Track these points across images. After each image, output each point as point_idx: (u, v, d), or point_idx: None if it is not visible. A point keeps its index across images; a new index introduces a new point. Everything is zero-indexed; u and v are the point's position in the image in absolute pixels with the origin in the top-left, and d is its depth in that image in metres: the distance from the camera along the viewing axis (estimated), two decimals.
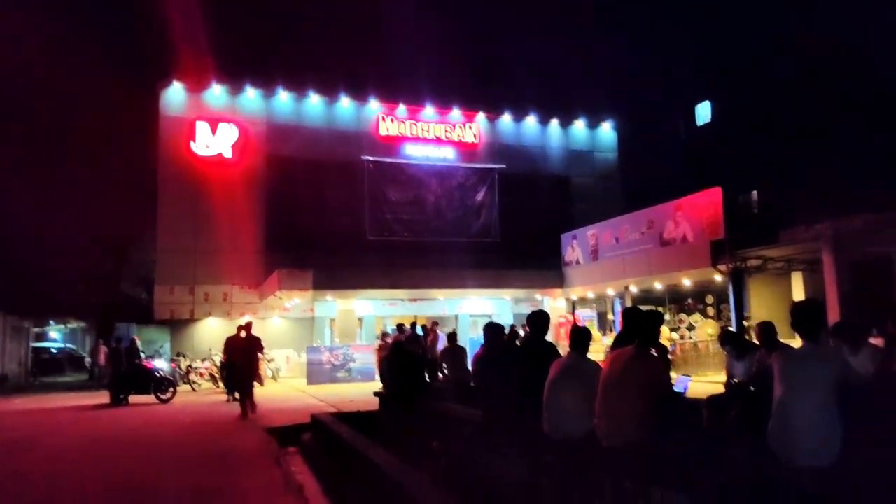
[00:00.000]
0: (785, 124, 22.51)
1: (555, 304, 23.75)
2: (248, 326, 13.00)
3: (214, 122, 25.01)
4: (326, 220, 25.22)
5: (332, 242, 24.42)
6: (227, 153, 25.02)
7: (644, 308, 6.04)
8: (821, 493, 3.27)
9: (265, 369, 22.48)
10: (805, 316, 3.66)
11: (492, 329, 6.30)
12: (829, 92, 20.26)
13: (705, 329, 19.94)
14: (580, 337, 5.02)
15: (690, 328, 20.63)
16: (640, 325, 4.54)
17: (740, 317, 15.87)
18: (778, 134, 22.77)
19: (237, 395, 13.18)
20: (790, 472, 3.39)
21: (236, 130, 25.22)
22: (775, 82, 23.57)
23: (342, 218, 25.58)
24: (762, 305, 16.37)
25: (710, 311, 21.05)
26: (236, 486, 7.09)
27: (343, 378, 19.76)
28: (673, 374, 5.63)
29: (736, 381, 6.20)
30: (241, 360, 12.68)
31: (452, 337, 10.55)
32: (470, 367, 11.90)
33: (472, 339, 21.05)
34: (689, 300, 21.62)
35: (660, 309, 21.28)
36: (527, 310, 23.70)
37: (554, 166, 29.51)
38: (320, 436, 9.61)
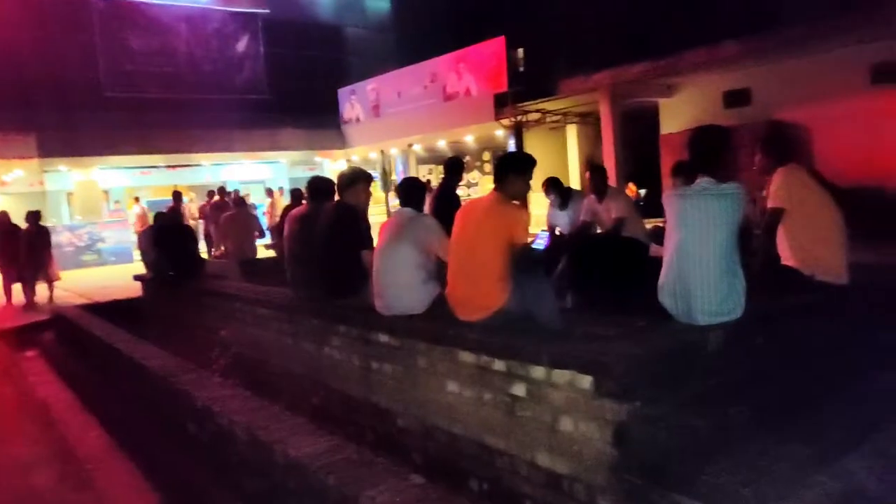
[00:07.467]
0: None
1: (334, 166, 22.43)
2: None
3: None
4: (56, 73, 20.23)
5: (66, 100, 19.71)
6: None
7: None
8: (726, 353, 2.79)
9: None
10: (708, 144, 3.01)
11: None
12: None
13: (485, 185, 20.36)
14: (412, 189, 4.02)
15: (469, 185, 20.97)
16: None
17: None
18: None
19: None
20: (690, 332, 2.87)
21: None
22: None
23: (76, 70, 20.74)
24: (540, 160, 16.79)
25: (487, 167, 21.47)
26: None
27: (92, 261, 17.00)
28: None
29: (559, 232, 5.78)
30: None
31: (240, 201, 8.95)
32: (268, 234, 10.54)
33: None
34: (468, 157, 21.77)
35: (437, 168, 21.27)
36: (304, 174, 22.15)
37: (323, 14, 26.80)
38: (67, 335, 7.74)
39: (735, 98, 13.28)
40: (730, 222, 2.86)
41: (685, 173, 4.30)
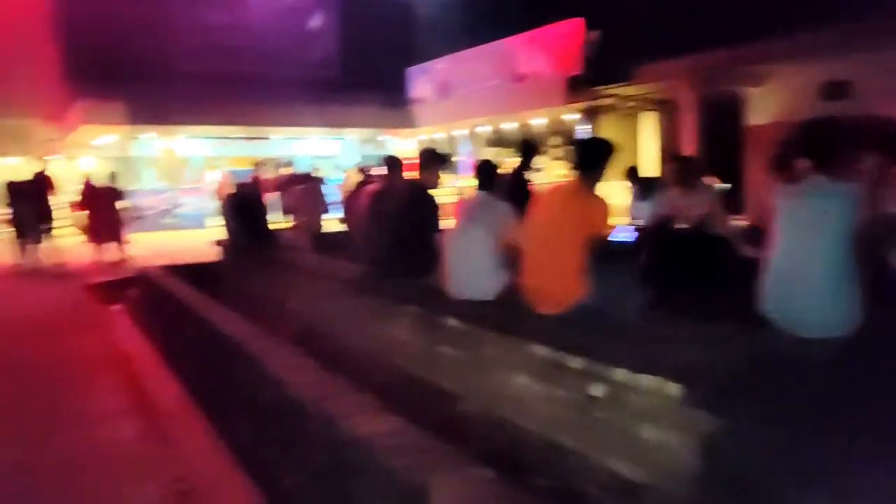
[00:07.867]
0: None
1: (402, 144, 22.49)
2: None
3: None
4: (135, 46, 21.13)
5: (144, 72, 20.55)
6: None
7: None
8: (830, 369, 2.57)
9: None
10: (821, 136, 2.77)
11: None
12: None
13: (554, 171, 19.92)
14: (489, 172, 3.90)
15: (536, 170, 20.55)
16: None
17: None
18: None
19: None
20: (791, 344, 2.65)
21: None
22: None
23: (153, 43, 21.57)
24: None
25: (555, 152, 20.96)
26: (48, 358, 5.54)
27: (170, 225, 17.79)
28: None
29: (640, 224, 5.54)
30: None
31: (305, 177, 9.03)
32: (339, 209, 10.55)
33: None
34: (537, 142, 21.25)
35: (508, 150, 20.92)
36: (375, 151, 22.28)
37: None
38: (149, 292, 8.02)
39: (833, 90, 12.35)
40: (843, 226, 2.61)
41: (790, 169, 3.97)
